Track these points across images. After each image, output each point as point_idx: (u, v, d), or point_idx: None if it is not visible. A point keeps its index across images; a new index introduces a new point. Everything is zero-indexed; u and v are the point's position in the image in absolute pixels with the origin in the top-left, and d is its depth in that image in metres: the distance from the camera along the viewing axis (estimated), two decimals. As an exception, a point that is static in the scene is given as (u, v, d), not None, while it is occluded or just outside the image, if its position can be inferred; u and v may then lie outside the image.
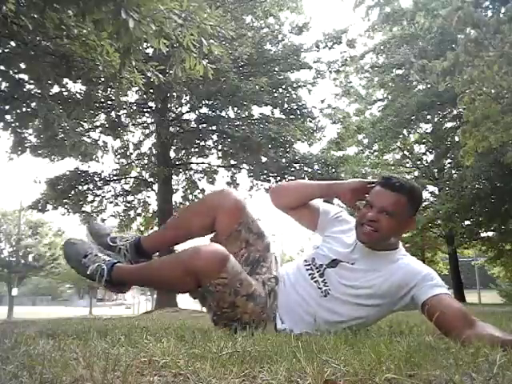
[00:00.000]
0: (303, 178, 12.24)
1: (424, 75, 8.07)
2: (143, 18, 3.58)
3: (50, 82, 6.04)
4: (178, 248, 1.88)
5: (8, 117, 6.78)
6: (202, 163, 13.45)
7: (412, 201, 1.51)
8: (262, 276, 1.59)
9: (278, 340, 1.13)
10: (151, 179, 12.82)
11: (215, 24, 4.37)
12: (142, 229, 13.87)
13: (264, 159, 12.09)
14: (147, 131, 13.31)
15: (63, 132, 6.69)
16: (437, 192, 16.00)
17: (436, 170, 16.35)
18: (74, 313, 18.32)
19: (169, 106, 12.50)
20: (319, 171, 12.20)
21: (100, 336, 1.21)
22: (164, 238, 1.74)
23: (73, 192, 12.15)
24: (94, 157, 9.78)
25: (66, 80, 7.10)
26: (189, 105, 12.77)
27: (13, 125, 7.07)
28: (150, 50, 8.46)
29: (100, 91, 7.59)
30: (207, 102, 12.02)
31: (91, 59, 4.99)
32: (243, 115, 12.54)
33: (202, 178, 13.47)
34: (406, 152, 17.68)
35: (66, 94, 7.77)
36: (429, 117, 15.12)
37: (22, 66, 5.76)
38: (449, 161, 15.63)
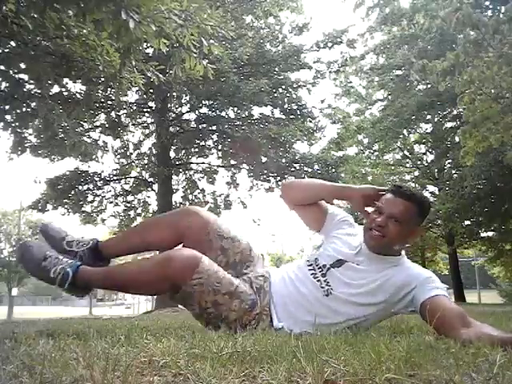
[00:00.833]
0: (303, 178, 12.26)
1: (424, 75, 8.07)
2: (143, 18, 3.58)
3: (49, 82, 6.03)
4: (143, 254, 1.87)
5: (8, 117, 6.78)
6: (202, 163, 13.45)
7: (421, 211, 1.56)
8: (249, 275, 1.59)
9: (277, 340, 1.13)
10: (151, 179, 12.82)
11: (215, 24, 4.37)
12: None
13: (264, 159, 12.09)
14: (147, 131, 13.32)
15: (63, 132, 6.69)
16: (437, 192, 16.00)
17: (436, 170, 16.35)
18: (74, 313, 18.32)
19: (169, 106, 12.50)
20: (319, 171, 12.20)
21: (100, 336, 1.21)
22: (124, 245, 1.69)
23: (73, 192, 12.15)
24: (93, 157, 9.80)
25: (65, 80, 7.10)
26: (189, 105, 12.77)
27: (13, 125, 7.07)
28: (149, 50, 8.46)
29: (100, 91, 7.59)
30: (207, 102, 12.02)
31: (91, 59, 4.99)
32: (243, 115, 12.54)
33: (202, 177, 13.47)
34: (406, 152, 17.69)
35: (66, 93, 7.77)
36: (429, 117, 15.12)
37: (22, 65, 5.75)
38: (449, 161, 15.62)
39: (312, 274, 1.58)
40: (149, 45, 4.63)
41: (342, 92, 16.35)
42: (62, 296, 47.55)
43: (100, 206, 12.89)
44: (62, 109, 6.55)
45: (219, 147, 12.87)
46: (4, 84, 6.24)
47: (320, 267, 1.59)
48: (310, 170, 12.32)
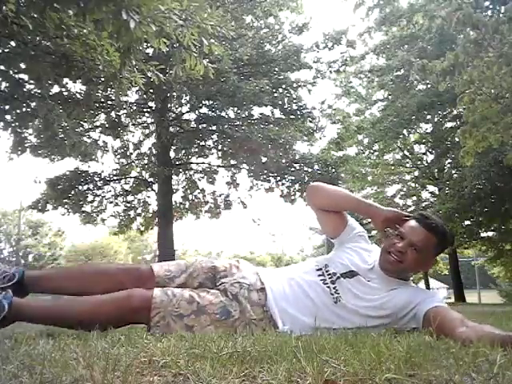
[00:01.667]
0: (303, 178, 12.28)
1: (424, 75, 8.07)
2: (144, 18, 3.58)
3: (50, 82, 6.04)
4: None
5: (8, 117, 6.79)
6: (202, 163, 13.46)
7: (441, 244, 1.60)
8: (225, 284, 1.56)
9: (277, 340, 1.13)
10: (151, 179, 12.82)
11: (215, 24, 4.37)
12: (142, 229, 13.87)
13: (264, 159, 12.10)
14: (147, 131, 13.32)
15: (63, 132, 6.70)
16: (437, 192, 16.00)
17: (436, 170, 16.35)
18: (74, 313, 18.28)
19: (169, 106, 12.50)
20: (319, 171, 12.21)
21: (100, 336, 1.21)
22: (56, 284, 1.56)
23: (73, 192, 12.15)
24: (93, 157, 9.81)
25: (66, 80, 7.10)
26: (189, 105, 12.78)
27: (13, 125, 7.09)
28: (150, 50, 8.47)
29: (100, 91, 7.58)
30: (207, 102, 12.03)
31: (91, 59, 4.99)
32: (243, 115, 12.54)
33: (202, 178, 13.47)
34: (406, 152, 17.68)
35: (66, 93, 7.78)
36: (429, 117, 15.12)
37: (22, 65, 5.76)
38: (449, 161, 15.63)
39: (322, 279, 1.59)
40: (149, 45, 4.63)
41: (342, 92, 16.35)
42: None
43: (100, 206, 12.89)
44: (62, 109, 6.56)
45: (219, 147, 12.88)
46: (4, 84, 6.25)
47: (330, 274, 1.60)
48: (309, 170, 12.33)
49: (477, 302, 16.47)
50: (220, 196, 13.49)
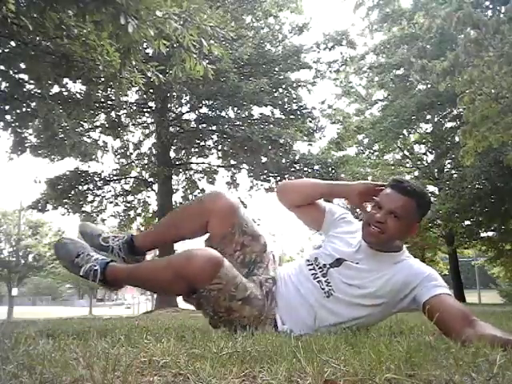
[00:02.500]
0: (299, 178, 12.26)
1: (424, 75, 8.07)
2: (143, 22, 3.58)
3: (50, 82, 6.04)
4: (178, 247, 1.88)
5: (8, 117, 6.79)
6: (202, 163, 13.46)
7: (421, 206, 1.52)
8: (260, 277, 1.57)
9: (277, 340, 1.13)
10: (151, 179, 12.82)
11: (215, 25, 4.37)
12: (142, 229, 13.87)
13: (264, 159, 12.10)
14: (147, 131, 13.32)
15: (63, 132, 6.70)
16: (437, 192, 15.99)
17: (436, 170, 16.34)
18: (74, 313, 18.32)
19: (169, 106, 12.50)
20: (319, 171, 12.21)
21: (100, 336, 1.21)
22: (157, 237, 1.72)
23: (73, 192, 12.15)
24: (93, 157, 9.80)
25: (66, 80, 7.10)
26: (189, 105, 12.78)
27: (13, 125, 7.08)
28: (150, 50, 8.47)
29: (100, 91, 7.59)
30: (207, 102, 12.03)
31: (91, 59, 4.99)
32: (243, 115, 12.55)
33: (202, 177, 13.48)
34: (406, 152, 17.68)
35: (66, 93, 7.78)
36: (429, 117, 15.12)
37: (22, 65, 5.76)
38: (449, 161, 15.63)
39: (313, 274, 1.56)
40: (149, 45, 4.63)
41: (342, 92, 16.36)
42: (62, 296, 47.56)
43: (100, 206, 12.89)
44: (62, 109, 6.56)
45: (219, 147, 12.88)
46: (4, 84, 6.25)
47: (320, 267, 1.57)
48: (309, 170, 12.33)
49: (477, 302, 16.46)
50: (220, 196, 13.46)
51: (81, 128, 9.91)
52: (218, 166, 13.33)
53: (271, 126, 11.83)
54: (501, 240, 15.22)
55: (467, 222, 14.29)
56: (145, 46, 7.05)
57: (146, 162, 13.26)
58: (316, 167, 12.37)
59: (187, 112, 13.00)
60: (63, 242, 1.60)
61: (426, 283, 1.44)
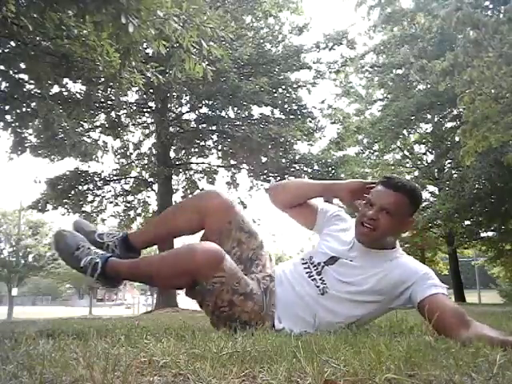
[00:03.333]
0: (303, 178, 12.27)
1: (424, 75, 8.07)
2: (143, 22, 3.59)
3: (50, 82, 6.03)
4: (177, 243, 1.88)
5: (8, 117, 6.78)
6: (202, 163, 13.46)
7: (412, 201, 1.52)
8: (257, 274, 1.58)
9: (278, 340, 1.13)
10: (151, 179, 12.81)
11: (215, 26, 4.38)
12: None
13: (264, 159, 12.10)
14: (147, 131, 13.32)
15: (63, 132, 6.70)
16: (437, 192, 16.00)
17: (436, 170, 16.34)
18: (74, 313, 18.32)
19: (169, 106, 12.50)
20: (319, 171, 12.21)
21: (100, 336, 1.21)
22: (152, 234, 1.72)
23: (73, 192, 12.15)
24: (93, 157, 9.80)
25: (66, 80, 7.10)
26: (189, 105, 12.78)
27: (13, 125, 7.08)
28: (149, 51, 8.47)
29: (100, 91, 7.60)
30: (207, 102, 12.03)
31: (91, 59, 5.00)
32: (243, 115, 12.55)
33: (202, 178, 13.47)
34: (406, 152, 17.68)
35: (66, 93, 7.78)
36: (429, 117, 15.12)
37: (22, 65, 5.76)
38: (449, 161, 15.62)
39: (307, 272, 1.57)
40: (149, 45, 4.63)
41: (341, 92, 16.34)
42: (62, 296, 47.55)
43: (100, 206, 12.89)
44: (62, 109, 6.56)
45: (219, 147, 12.88)
46: (4, 84, 6.25)
47: (315, 265, 1.57)
48: (309, 170, 12.33)
49: (477, 302, 16.46)
50: (220, 196, 13.45)
51: (81, 128, 9.90)
52: (218, 166, 13.33)
53: (271, 125, 11.83)
54: (501, 240, 15.22)
55: (467, 222, 14.29)
56: (144, 47, 7.05)
57: (146, 162, 13.25)
58: (316, 167, 12.37)
59: (187, 112, 13.00)
60: (63, 234, 1.58)
61: (422, 282, 1.44)
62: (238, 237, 1.61)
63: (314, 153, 13.08)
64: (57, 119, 6.01)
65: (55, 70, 5.47)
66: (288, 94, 12.63)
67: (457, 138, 11.10)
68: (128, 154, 13.05)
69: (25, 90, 6.45)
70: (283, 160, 12.05)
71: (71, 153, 8.87)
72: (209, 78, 4.68)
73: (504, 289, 22.08)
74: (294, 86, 12.63)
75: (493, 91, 6.15)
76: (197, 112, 12.73)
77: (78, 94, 7.83)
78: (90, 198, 12.68)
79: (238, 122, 12.24)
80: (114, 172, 12.88)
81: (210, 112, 12.42)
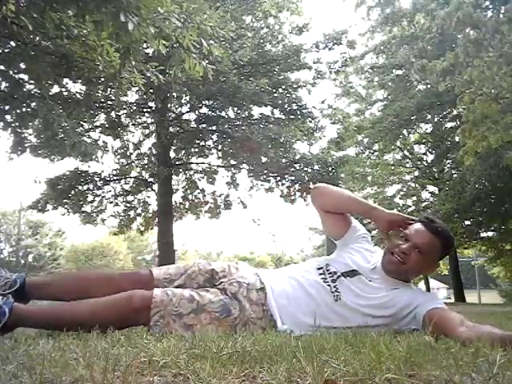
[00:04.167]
0: (303, 178, 12.28)
1: (424, 75, 8.07)
2: (143, 20, 3.59)
3: (50, 82, 6.03)
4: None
5: (8, 117, 6.78)
6: (202, 163, 13.45)
7: (445, 247, 1.61)
8: (224, 284, 1.56)
9: (278, 340, 1.13)
10: (151, 179, 12.81)
11: (215, 25, 4.38)
12: (142, 229, 13.87)
13: (264, 159, 12.09)
14: (147, 131, 13.31)
15: (63, 132, 6.70)
16: (437, 192, 15.99)
17: (436, 170, 16.34)
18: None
19: (169, 106, 12.50)
20: (319, 171, 12.21)
21: (100, 336, 1.21)
22: (56, 289, 1.58)
23: (73, 192, 12.15)
24: (93, 157, 9.80)
25: (66, 80, 7.10)
26: (189, 105, 12.78)
27: (13, 125, 7.08)
28: (149, 51, 8.47)
29: (100, 91, 7.58)
30: (207, 102, 12.03)
31: (91, 59, 5.00)
32: (243, 115, 12.54)
33: (202, 178, 13.47)
34: (406, 152, 17.67)
35: (65, 94, 7.78)
36: (429, 117, 15.11)
37: (22, 65, 5.76)
38: (449, 161, 15.62)
39: (322, 278, 1.60)
40: (149, 45, 4.63)
41: (341, 92, 16.35)
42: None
43: (100, 206, 12.88)
44: (62, 109, 6.56)
45: (219, 147, 12.88)
46: (4, 84, 6.25)
47: (331, 273, 1.61)
48: (309, 170, 12.33)
49: (477, 302, 16.47)
50: (220, 196, 13.48)
51: (81, 128, 9.90)
52: (218, 166, 13.33)
53: (271, 125, 11.82)
54: (501, 240, 15.21)
55: (467, 222, 14.28)
56: (144, 47, 7.05)
57: (145, 162, 13.25)
58: (316, 167, 12.37)
59: (187, 112, 13.00)
60: None
61: (426, 302, 1.53)
62: (175, 285, 1.59)
63: (314, 153, 13.09)
64: (57, 119, 6.01)
65: (55, 70, 5.47)
66: (288, 94, 12.63)
67: (457, 138, 11.08)
68: (128, 154, 13.04)
69: (25, 89, 6.45)
70: (283, 160, 12.04)
71: (71, 153, 8.87)
72: (209, 78, 4.68)
73: (504, 289, 22.09)
74: (294, 86, 12.63)
75: (493, 91, 6.14)
76: (197, 112, 12.73)
77: (78, 94, 7.83)
78: (90, 197, 12.68)
79: (238, 122, 12.25)
80: (114, 172, 12.87)
81: (209, 112, 12.43)
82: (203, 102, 12.07)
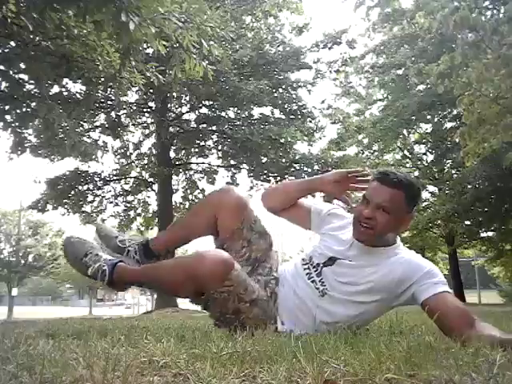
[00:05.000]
0: (303, 178, 12.26)
1: (422, 78, 8.07)
2: (143, 20, 3.59)
3: (49, 82, 6.03)
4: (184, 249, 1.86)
5: (8, 117, 6.77)
6: (202, 163, 13.46)
7: (410, 197, 1.46)
8: (264, 277, 1.57)
9: (278, 340, 1.13)
10: (151, 179, 12.82)
11: (215, 25, 4.37)
12: (142, 229, 13.87)
13: (264, 159, 12.08)
14: (147, 131, 13.32)
15: (63, 132, 6.69)
16: (437, 192, 15.99)
17: (436, 170, 16.34)
18: (74, 313, 18.31)
19: (169, 106, 12.50)
20: (319, 171, 12.19)
21: (100, 336, 1.21)
22: (172, 238, 1.72)
23: (73, 192, 12.15)
24: (93, 157, 9.79)
25: (65, 80, 7.10)
26: (189, 105, 12.78)
27: (13, 125, 7.07)
28: (149, 51, 8.47)
29: (100, 91, 7.59)
30: (207, 102, 12.03)
31: (91, 59, 5.00)
32: (243, 115, 12.54)
33: (202, 178, 13.47)
34: (406, 152, 17.67)
35: (65, 93, 7.78)
36: (429, 117, 15.11)
37: (22, 66, 5.75)
38: (449, 161, 15.62)
39: (307, 274, 1.55)
40: (149, 45, 4.63)
41: (341, 92, 16.34)
42: (62, 296, 47.56)
43: (100, 206, 12.89)
44: (62, 109, 6.55)
45: (219, 147, 12.88)
46: (4, 84, 6.24)
47: (314, 266, 1.55)
48: (309, 170, 12.32)
49: (477, 302, 16.45)
50: (220, 196, 13.46)
51: (81, 128, 9.90)
52: (218, 166, 13.33)
53: (271, 125, 11.82)
54: (501, 240, 15.21)
55: (467, 222, 14.28)
56: (144, 47, 7.05)
57: (145, 162, 13.25)
58: (316, 167, 12.36)
59: (187, 112, 13.00)
60: (72, 240, 1.60)
61: (426, 280, 1.40)
62: (248, 237, 1.61)
63: (314, 153, 13.07)
64: (57, 119, 6.01)
65: (55, 70, 5.47)
66: (288, 94, 12.63)
67: (457, 139, 11.08)
68: (128, 154, 13.05)
69: (25, 90, 6.44)
70: (283, 160, 12.04)
71: (71, 153, 8.86)
72: (209, 78, 4.67)
73: (504, 289, 22.08)
74: (294, 85, 12.63)
75: (491, 93, 6.14)
76: (197, 112, 12.73)
77: (78, 94, 7.84)
78: (90, 198, 12.69)
79: (238, 122, 12.25)
80: (114, 172, 12.88)
81: (209, 112, 12.42)
82: (203, 103, 12.07)
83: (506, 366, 0.84)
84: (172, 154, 12.88)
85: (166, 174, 11.63)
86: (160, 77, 5.02)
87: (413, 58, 11.82)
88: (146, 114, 12.76)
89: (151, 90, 10.67)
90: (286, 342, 1.10)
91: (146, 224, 13.75)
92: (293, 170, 12.38)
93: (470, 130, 6.39)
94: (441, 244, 17.77)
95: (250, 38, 11.58)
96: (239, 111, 12.49)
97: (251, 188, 13.42)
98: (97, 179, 12.50)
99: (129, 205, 13.34)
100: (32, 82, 6.32)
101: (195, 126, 12.66)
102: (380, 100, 16.83)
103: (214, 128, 12.17)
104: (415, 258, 1.49)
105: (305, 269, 1.57)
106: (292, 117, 12.67)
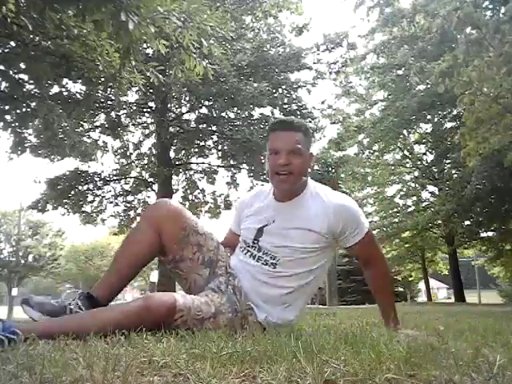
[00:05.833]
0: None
1: (423, 77, 8.06)
2: (143, 19, 3.58)
3: (49, 82, 6.03)
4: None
5: (8, 117, 6.78)
6: (202, 163, 13.45)
7: (307, 135, 1.57)
8: (223, 276, 1.58)
9: (277, 340, 1.13)
10: (151, 179, 12.81)
11: (215, 25, 4.37)
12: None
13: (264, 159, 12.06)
14: (147, 131, 13.31)
15: (63, 132, 6.69)
16: (437, 192, 16.00)
17: (436, 170, 16.34)
18: (74, 313, 18.25)
19: (169, 106, 12.49)
20: (319, 171, 12.20)
21: (100, 336, 1.21)
22: (114, 279, 1.56)
23: (73, 192, 12.14)
24: (93, 157, 9.80)
25: (66, 80, 7.10)
26: (188, 105, 12.77)
27: (13, 125, 7.07)
28: (149, 51, 8.47)
29: (100, 91, 7.59)
30: (207, 102, 12.02)
31: (91, 59, 4.99)
32: (243, 116, 12.53)
33: (202, 178, 13.47)
34: (406, 152, 17.67)
35: (65, 93, 7.78)
36: (429, 117, 15.11)
37: (22, 65, 5.75)
38: (449, 161, 15.62)
39: (250, 255, 1.58)
40: (149, 45, 4.63)
41: (342, 92, 16.33)
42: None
43: (100, 206, 12.88)
44: (62, 109, 6.55)
45: (219, 147, 12.87)
46: (4, 84, 6.24)
47: (252, 246, 1.59)
48: (309, 170, 12.30)
49: (477, 302, 16.46)
50: (220, 196, 13.48)
51: (81, 128, 9.90)
52: (218, 166, 13.32)
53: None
54: (501, 240, 15.22)
55: (467, 222, 14.29)
56: (144, 47, 7.05)
57: (145, 162, 13.24)
58: (316, 167, 12.36)
59: (187, 112, 13.00)
60: None
61: (351, 230, 1.53)
62: (196, 241, 1.61)
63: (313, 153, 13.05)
64: (57, 119, 6.01)
65: (55, 70, 5.47)
66: (288, 94, 12.62)
67: (457, 140, 11.08)
68: (128, 154, 13.04)
69: (25, 90, 6.45)
70: (283, 160, 12.01)
71: (71, 153, 8.86)
72: (210, 77, 4.67)
73: (504, 289, 22.10)
74: (294, 86, 12.62)
75: (492, 92, 6.14)
76: (197, 112, 12.72)
77: (78, 94, 7.84)
78: (90, 198, 12.68)
79: (237, 123, 12.23)
80: (114, 172, 12.87)
81: (209, 112, 12.42)
82: (203, 103, 12.07)
83: (506, 366, 0.84)
84: (172, 154, 12.88)
85: (165, 174, 11.62)
86: (160, 77, 5.02)
87: (413, 59, 11.81)
88: (146, 114, 12.76)
89: (151, 90, 10.67)
90: (286, 342, 1.10)
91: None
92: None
93: (469, 131, 6.39)
94: (441, 244, 17.79)
95: (250, 38, 11.56)
96: (239, 111, 12.48)
97: (251, 188, 13.43)
98: (97, 179, 12.49)
99: (129, 205, 13.34)
100: (32, 82, 6.32)
101: (195, 126, 12.65)
102: (380, 100, 16.83)
103: (213, 128, 12.16)
104: (334, 199, 1.57)
105: (246, 253, 1.60)
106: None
